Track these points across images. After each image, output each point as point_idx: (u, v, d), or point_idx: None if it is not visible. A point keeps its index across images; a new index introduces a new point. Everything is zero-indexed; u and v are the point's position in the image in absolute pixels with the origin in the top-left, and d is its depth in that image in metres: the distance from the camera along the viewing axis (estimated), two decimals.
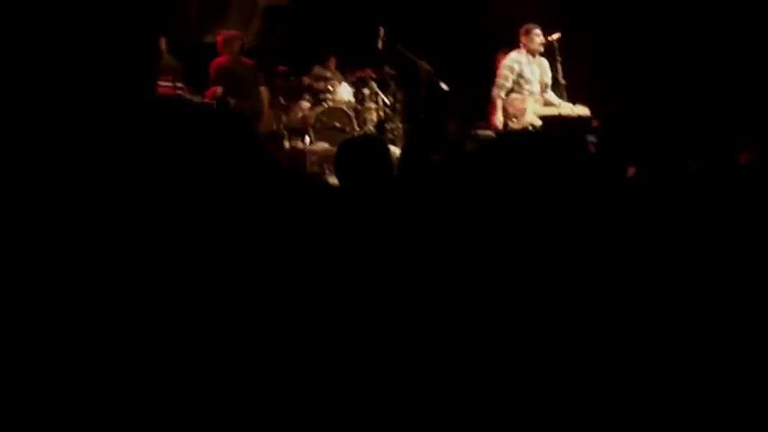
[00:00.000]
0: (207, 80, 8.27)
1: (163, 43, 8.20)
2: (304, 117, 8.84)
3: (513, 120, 7.19)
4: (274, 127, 8.86)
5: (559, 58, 7.23)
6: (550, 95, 7.38)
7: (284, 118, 8.93)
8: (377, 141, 4.69)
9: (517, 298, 2.18)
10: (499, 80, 7.27)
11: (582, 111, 7.21)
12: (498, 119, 7.19)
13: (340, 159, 3.31)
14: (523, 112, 7.13)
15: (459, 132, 8.50)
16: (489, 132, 7.83)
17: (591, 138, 6.63)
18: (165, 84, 7.79)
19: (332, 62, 9.33)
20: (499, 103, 7.21)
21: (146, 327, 1.92)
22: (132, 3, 6.59)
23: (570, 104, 7.21)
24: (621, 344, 2.11)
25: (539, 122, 7.20)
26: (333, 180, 7.34)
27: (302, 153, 8.32)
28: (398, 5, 9.25)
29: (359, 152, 3.26)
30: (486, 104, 7.72)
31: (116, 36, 6.53)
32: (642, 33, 8.16)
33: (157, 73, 7.86)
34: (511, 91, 7.27)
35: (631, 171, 3.54)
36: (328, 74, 9.18)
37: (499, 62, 7.43)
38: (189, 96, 7.92)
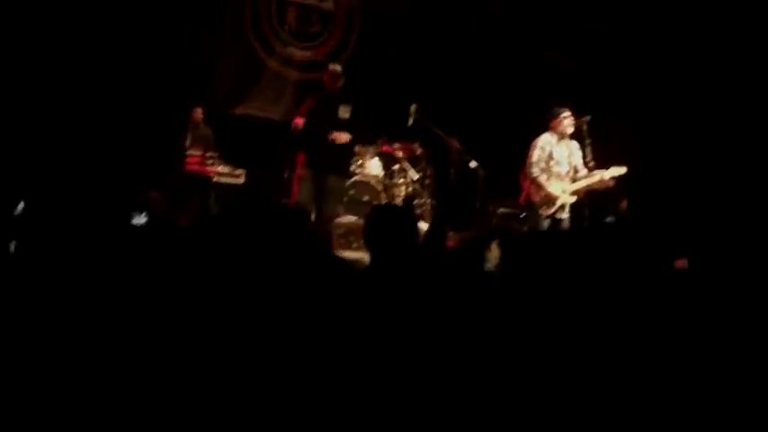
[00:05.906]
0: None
1: (199, 113, 8.37)
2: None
3: (544, 207, 7.14)
4: None
5: (588, 141, 7.20)
6: (580, 174, 7.30)
7: None
8: (406, 210, 4.69)
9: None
10: (532, 160, 7.24)
11: (617, 171, 7.12)
12: (545, 193, 7.10)
13: (369, 225, 3.30)
14: (548, 196, 7.11)
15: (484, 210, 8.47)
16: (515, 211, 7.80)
17: (609, 219, 6.51)
18: (195, 153, 7.93)
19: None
20: (543, 179, 7.14)
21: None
22: (168, 74, 6.77)
23: (602, 171, 7.11)
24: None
25: (572, 199, 7.15)
26: (352, 254, 7.37)
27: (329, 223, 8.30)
28: (431, 83, 9.34)
29: (388, 218, 3.25)
30: (514, 184, 7.70)
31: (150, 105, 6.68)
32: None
33: (188, 142, 8.05)
34: (542, 171, 7.22)
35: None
36: (359, 148, 9.25)
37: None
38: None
